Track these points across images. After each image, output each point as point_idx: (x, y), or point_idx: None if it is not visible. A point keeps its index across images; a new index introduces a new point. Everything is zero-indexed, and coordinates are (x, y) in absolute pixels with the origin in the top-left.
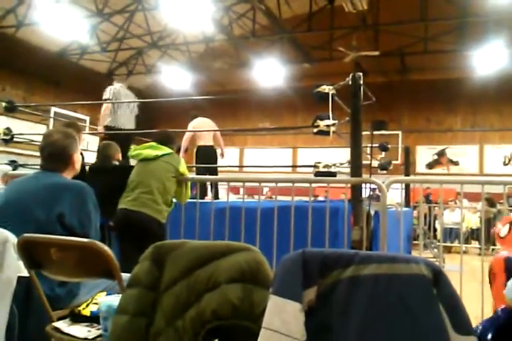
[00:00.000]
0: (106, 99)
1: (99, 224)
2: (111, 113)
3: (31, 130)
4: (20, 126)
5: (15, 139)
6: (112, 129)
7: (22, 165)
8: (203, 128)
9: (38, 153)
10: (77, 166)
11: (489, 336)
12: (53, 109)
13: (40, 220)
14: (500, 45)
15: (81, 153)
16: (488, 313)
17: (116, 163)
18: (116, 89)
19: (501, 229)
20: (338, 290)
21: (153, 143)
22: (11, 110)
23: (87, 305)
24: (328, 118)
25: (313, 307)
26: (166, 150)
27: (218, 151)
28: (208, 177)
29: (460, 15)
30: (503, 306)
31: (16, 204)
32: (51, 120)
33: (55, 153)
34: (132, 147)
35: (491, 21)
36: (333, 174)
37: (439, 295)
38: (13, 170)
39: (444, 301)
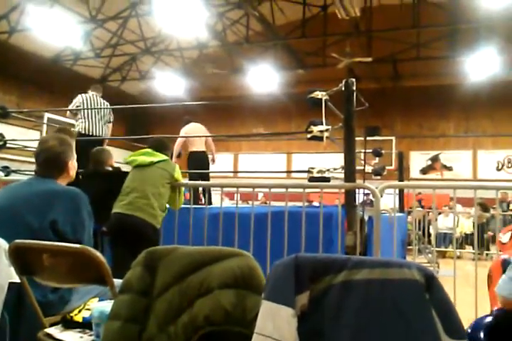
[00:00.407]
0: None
1: (92, 230)
2: (78, 120)
3: (24, 136)
4: (13, 132)
5: (8, 145)
6: (81, 136)
7: (15, 171)
8: (195, 134)
9: (31, 159)
10: (72, 173)
11: (481, 334)
12: (47, 115)
13: (33, 226)
14: (492, 51)
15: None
16: None
17: (110, 168)
18: (84, 98)
19: (503, 236)
20: (330, 295)
21: (148, 150)
22: (3, 116)
23: (80, 311)
24: (322, 124)
25: (306, 313)
26: (161, 156)
27: (210, 157)
28: (202, 182)
29: (452, 22)
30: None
31: (8, 210)
32: (44, 126)
33: (50, 159)
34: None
35: (482, 28)
36: (327, 179)
37: (431, 300)
38: (6, 176)
39: (436, 306)
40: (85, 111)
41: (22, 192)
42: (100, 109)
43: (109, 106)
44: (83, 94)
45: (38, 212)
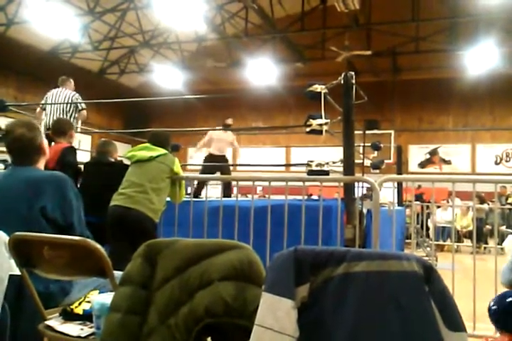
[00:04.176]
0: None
1: (96, 223)
2: (44, 116)
3: None
4: None
5: None
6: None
7: None
8: (221, 138)
9: None
10: (47, 151)
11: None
12: None
13: (24, 215)
14: (491, 44)
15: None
16: (480, 310)
17: (112, 160)
18: (49, 95)
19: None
20: (330, 287)
21: (148, 144)
22: (2, 109)
23: (80, 304)
24: (321, 118)
25: (306, 304)
26: (161, 151)
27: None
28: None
29: (451, 15)
30: None
31: None
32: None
33: (24, 148)
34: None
35: (482, 21)
36: (326, 172)
37: (430, 292)
38: (4, 169)
39: (435, 298)
40: (47, 107)
41: (7, 183)
42: (62, 102)
43: (73, 98)
44: (49, 92)
45: (26, 200)
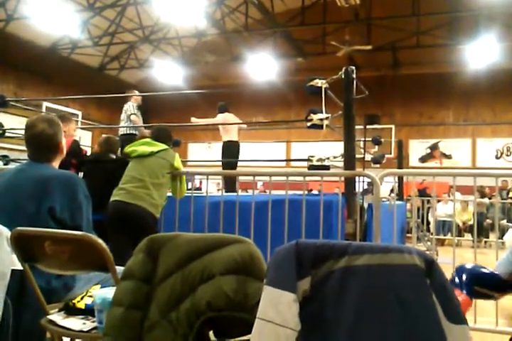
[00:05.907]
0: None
1: (99, 220)
2: None
3: (23, 125)
4: (11, 121)
5: (7, 134)
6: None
7: (14, 160)
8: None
9: None
10: (64, 150)
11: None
12: (45, 104)
13: (31, 214)
14: (492, 39)
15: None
16: (481, 303)
17: (114, 156)
18: None
19: None
20: (331, 280)
21: (149, 140)
22: (1, 105)
23: (82, 298)
24: (321, 112)
25: (308, 298)
26: (162, 146)
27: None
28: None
29: (452, 10)
30: None
31: (4, 198)
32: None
33: (44, 144)
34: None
35: (483, 15)
36: (327, 167)
37: (431, 285)
38: (5, 165)
39: (436, 291)
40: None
41: (17, 180)
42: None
43: (126, 108)
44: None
45: (34, 199)
